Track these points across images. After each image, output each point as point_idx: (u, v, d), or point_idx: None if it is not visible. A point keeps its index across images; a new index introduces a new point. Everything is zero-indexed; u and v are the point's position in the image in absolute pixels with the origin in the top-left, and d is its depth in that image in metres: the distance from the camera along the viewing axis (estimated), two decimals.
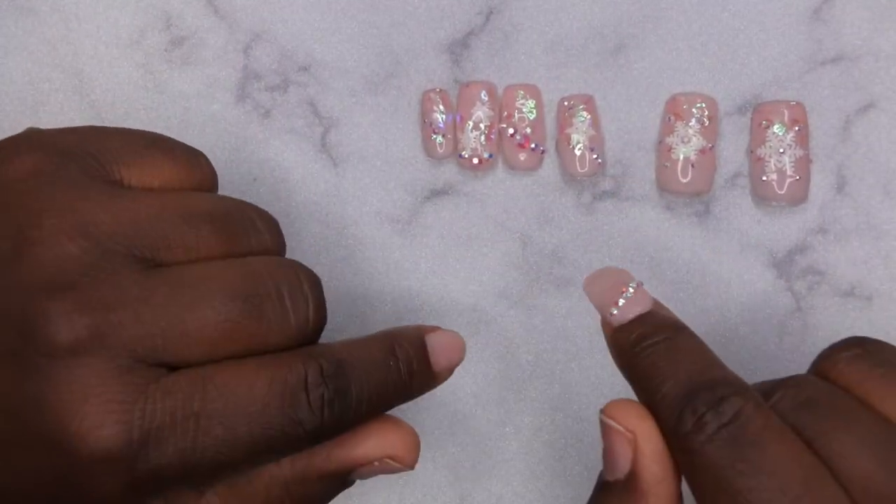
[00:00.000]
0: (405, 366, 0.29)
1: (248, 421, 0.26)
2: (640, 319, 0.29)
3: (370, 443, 0.29)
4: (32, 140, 0.29)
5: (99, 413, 0.25)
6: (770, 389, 0.26)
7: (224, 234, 0.29)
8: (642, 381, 0.27)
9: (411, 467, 0.30)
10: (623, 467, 0.27)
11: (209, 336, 0.26)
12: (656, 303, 0.29)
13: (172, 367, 0.26)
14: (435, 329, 0.31)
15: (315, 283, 0.29)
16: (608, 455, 0.27)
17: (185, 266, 0.28)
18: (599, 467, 0.28)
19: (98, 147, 0.29)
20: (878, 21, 0.39)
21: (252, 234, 0.29)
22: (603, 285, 0.30)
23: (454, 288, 0.40)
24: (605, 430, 0.27)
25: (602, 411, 0.28)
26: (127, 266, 0.27)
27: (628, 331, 0.29)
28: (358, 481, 0.30)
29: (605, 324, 0.30)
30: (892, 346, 0.27)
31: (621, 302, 0.29)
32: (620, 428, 0.27)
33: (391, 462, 0.29)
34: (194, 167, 0.31)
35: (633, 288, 0.29)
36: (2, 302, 0.26)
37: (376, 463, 0.29)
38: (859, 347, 0.27)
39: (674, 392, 0.26)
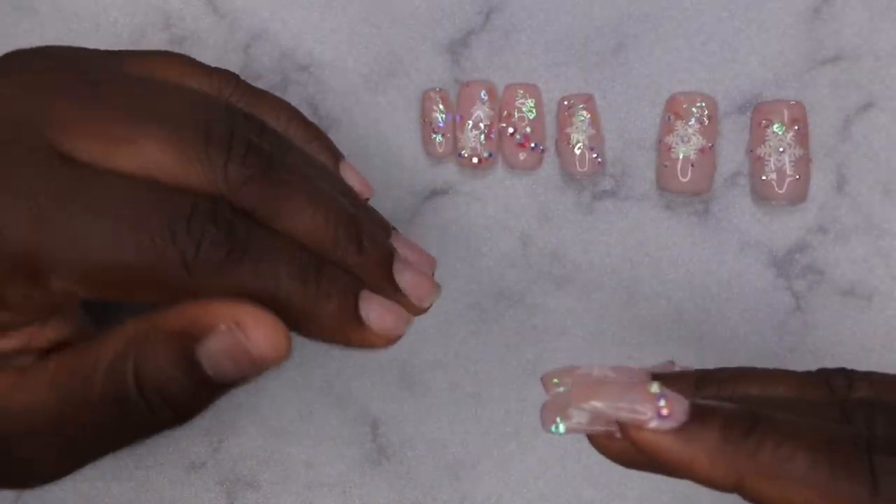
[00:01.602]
0: (327, 284, 0.25)
1: (129, 226, 0.24)
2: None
3: (221, 305, 0.24)
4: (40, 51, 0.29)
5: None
6: None
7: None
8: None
9: (271, 357, 0.24)
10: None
11: (113, 136, 0.25)
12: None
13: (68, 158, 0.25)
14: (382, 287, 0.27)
15: (267, 157, 0.25)
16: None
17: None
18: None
19: (51, 117, 0.26)
20: (877, 20, 0.39)
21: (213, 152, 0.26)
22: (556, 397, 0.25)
23: (454, 287, 0.40)
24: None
25: None
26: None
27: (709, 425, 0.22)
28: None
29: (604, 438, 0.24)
30: None
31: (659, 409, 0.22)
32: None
33: (242, 338, 0.24)
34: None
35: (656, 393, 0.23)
36: None
37: (223, 327, 0.24)
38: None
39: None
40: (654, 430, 0.22)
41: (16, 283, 0.24)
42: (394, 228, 0.30)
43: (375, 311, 0.26)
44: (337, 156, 0.32)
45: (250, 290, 0.24)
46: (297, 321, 0.25)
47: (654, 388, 0.22)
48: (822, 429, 0.22)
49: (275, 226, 0.25)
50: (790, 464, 0.21)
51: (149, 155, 0.25)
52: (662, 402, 0.22)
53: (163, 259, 0.24)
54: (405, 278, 0.27)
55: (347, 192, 0.29)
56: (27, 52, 0.29)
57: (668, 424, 0.22)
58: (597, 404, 0.23)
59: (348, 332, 0.26)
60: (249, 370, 0.24)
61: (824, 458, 0.21)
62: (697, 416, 0.22)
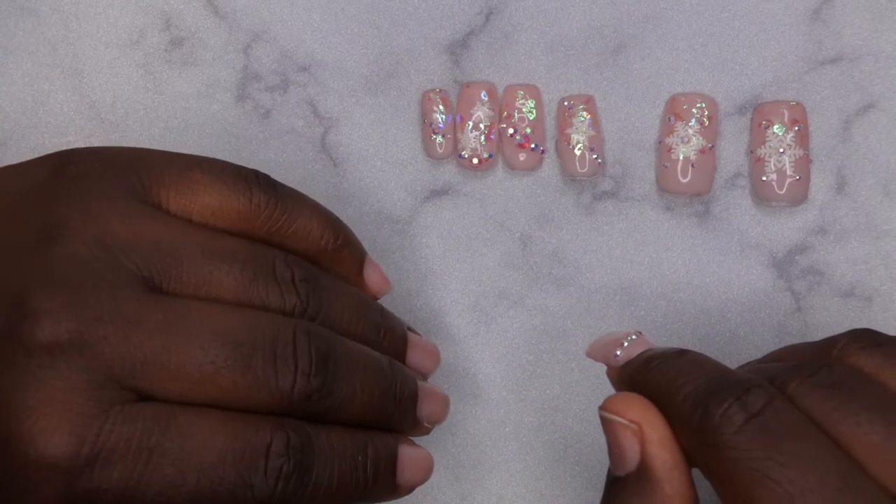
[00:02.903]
0: (372, 466, 0.29)
1: (200, 470, 0.26)
2: (644, 352, 0.28)
3: None
4: (86, 151, 0.30)
5: (56, 419, 0.25)
6: (775, 374, 0.26)
7: (242, 279, 0.28)
8: (658, 392, 0.27)
9: None
10: (632, 460, 0.26)
11: (189, 374, 0.26)
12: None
13: (145, 397, 0.26)
14: (409, 441, 0.31)
15: (324, 357, 0.28)
16: (615, 450, 0.27)
17: (190, 300, 0.27)
18: (599, 467, 0.28)
19: (143, 165, 0.29)
20: (878, 21, 0.39)
21: (272, 287, 0.29)
22: (604, 343, 0.30)
23: (454, 288, 0.40)
24: (608, 425, 0.27)
25: (601, 408, 0.27)
26: (131, 284, 0.27)
27: (634, 361, 0.28)
28: None
29: (610, 369, 0.29)
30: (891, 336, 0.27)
31: (624, 345, 0.29)
32: (623, 421, 0.26)
33: None
34: (241, 193, 0.30)
35: (633, 337, 0.29)
36: (4, 284, 0.26)
37: None
38: (867, 335, 0.27)
39: (695, 393, 0.25)
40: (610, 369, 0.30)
41: None
42: (409, 328, 0.35)
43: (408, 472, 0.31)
44: (361, 258, 0.34)
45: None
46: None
47: (625, 342, 0.29)
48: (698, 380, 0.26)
49: (329, 418, 0.29)
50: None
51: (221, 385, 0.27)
52: (627, 342, 0.29)
53: (238, 500, 0.26)
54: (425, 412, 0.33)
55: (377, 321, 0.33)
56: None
57: (620, 361, 0.29)
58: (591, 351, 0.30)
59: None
60: None
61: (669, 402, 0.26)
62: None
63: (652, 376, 0.27)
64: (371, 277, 0.34)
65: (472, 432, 0.40)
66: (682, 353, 0.27)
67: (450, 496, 0.40)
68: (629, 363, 0.29)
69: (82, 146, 0.31)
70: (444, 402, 0.33)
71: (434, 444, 0.40)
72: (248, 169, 0.31)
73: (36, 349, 0.25)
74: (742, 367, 0.29)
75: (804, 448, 0.24)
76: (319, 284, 0.30)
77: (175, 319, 0.26)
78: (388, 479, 0.30)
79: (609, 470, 0.28)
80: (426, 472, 0.31)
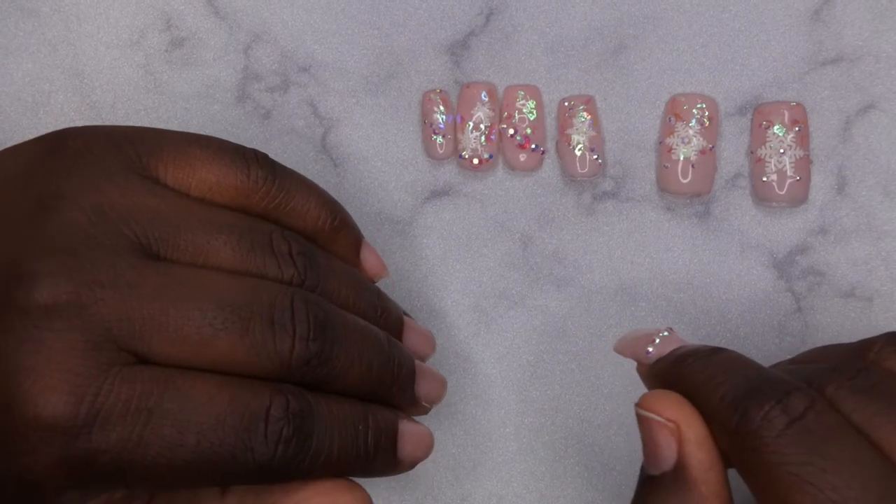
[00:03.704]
0: (373, 436, 0.29)
1: (199, 431, 0.25)
2: (677, 349, 0.28)
3: (319, 499, 0.28)
4: (83, 128, 0.30)
5: (54, 379, 0.25)
6: (812, 376, 0.26)
7: (239, 249, 0.28)
8: (693, 390, 0.26)
9: None
10: (669, 459, 0.26)
11: (187, 336, 0.26)
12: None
13: (143, 360, 0.26)
14: (409, 418, 0.31)
15: (322, 324, 0.28)
16: (651, 448, 0.26)
17: (188, 266, 0.27)
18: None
19: (142, 141, 0.29)
20: (878, 22, 0.39)
21: (270, 259, 0.29)
22: (634, 339, 0.30)
23: (454, 288, 0.40)
24: (645, 423, 0.27)
25: (638, 405, 0.27)
26: (130, 250, 0.27)
27: (666, 357, 0.28)
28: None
29: (640, 365, 0.29)
30: None
31: (656, 342, 0.29)
32: (661, 419, 0.26)
33: None
34: (238, 169, 0.30)
35: (665, 333, 0.29)
36: (1, 254, 0.26)
37: None
38: None
39: (733, 394, 0.25)
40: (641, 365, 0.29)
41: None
42: (405, 313, 0.35)
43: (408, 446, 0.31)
44: (358, 240, 0.34)
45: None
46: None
47: (657, 338, 0.29)
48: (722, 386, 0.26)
49: (328, 387, 0.29)
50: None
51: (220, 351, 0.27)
52: (659, 339, 0.29)
53: (239, 464, 0.26)
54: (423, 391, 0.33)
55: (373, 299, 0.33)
56: None
57: (653, 358, 0.29)
58: (619, 346, 0.30)
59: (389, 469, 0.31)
60: None
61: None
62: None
63: (687, 373, 0.27)
64: (368, 260, 0.34)
65: (472, 432, 0.40)
66: (717, 351, 0.27)
67: (450, 496, 0.40)
68: (661, 360, 0.28)
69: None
70: (442, 383, 0.33)
71: (434, 445, 0.40)
72: (246, 147, 0.31)
73: (33, 311, 0.25)
74: (773, 366, 0.29)
75: (846, 453, 0.23)
76: (316, 260, 0.30)
77: (173, 284, 0.26)
78: (388, 452, 0.30)
79: (642, 468, 0.27)
80: (427, 448, 0.31)
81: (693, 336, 0.39)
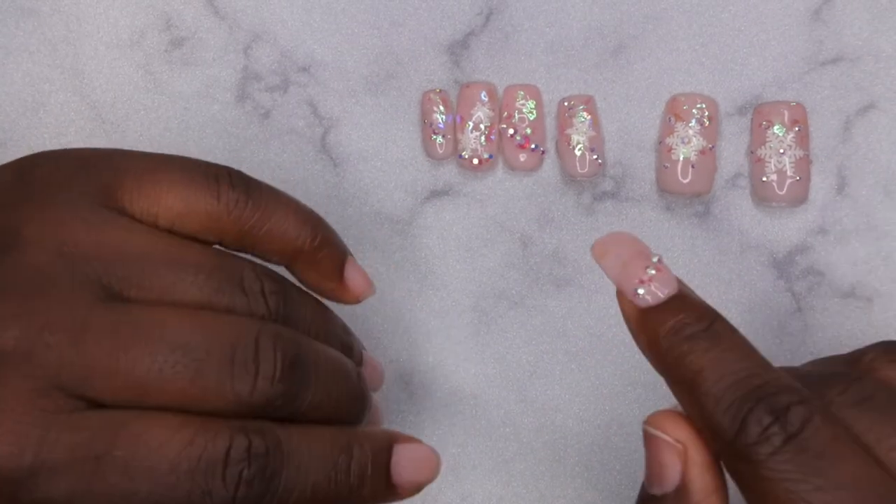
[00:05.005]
0: (358, 466, 0.28)
1: (152, 478, 0.25)
2: (671, 305, 0.26)
3: None
4: (52, 154, 0.29)
5: None
6: (817, 381, 0.25)
7: (207, 289, 0.27)
8: (679, 374, 0.26)
9: None
10: (672, 479, 0.25)
11: (137, 380, 0.25)
12: (679, 281, 0.27)
13: (96, 405, 0.25)
14: (411, 439, 0.30)
15: (292, 364, 0.27)
16: (654, 468, 0.26)
17: (148, 307, 0.27)
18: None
19: (110, 167, 0.29)
20: (878, 22, 0.39)
21: (240, 297, 0.28)
22: (620, 256, 0.27)
23: (454, 288, 0.40)
24: (651, 441, 0.26)
25: (646, 422, 0.26)
26: (89, 291, 0.26)
27: (660, 320, 0.26)
28: None
29: (627, 301, 0.27)
30: None
31: (647, 276, 0.26)
32: (669, 439, 0.26)
33: None
34: (208, 192, 0.29)
35: (655, 261, 0.27)
36: None
37: None
38: None
39: (731, 397, 0.24)
40: (631, 300, 0.27)
41: None
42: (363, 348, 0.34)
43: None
44: (342, 259, 0.33)
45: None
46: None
47: (649, 268, 0.26)
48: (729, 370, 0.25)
49: (303, 419, 0.28)
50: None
51: (178, 388, 0.26)
52: (652, 272, 0.26)
53: None
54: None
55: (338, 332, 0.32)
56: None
57: (643, 302, 0.26)
58: (605, 261, 0.28)
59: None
60: None
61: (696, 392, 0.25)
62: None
63: (676, 354, 0.26)
64: (352, 279, 0.33)
65: (472, 432, 0.40)
66: (708, 326, 0.26)
67: (450, 496, 0.40)
68: (653, 319, 0.26)
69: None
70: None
71: (434, 445, 0.40)
72: (219, 166, 0.30)
73: None
74: None
75: (843, 470, 0.23)
76: (290, 296, 0.29)
77: (127, 326, 0.26)
78: (379, 480, 0.28)
79: (642, 487, 0.27)
80: (430, 471, 0.30)
81: None
